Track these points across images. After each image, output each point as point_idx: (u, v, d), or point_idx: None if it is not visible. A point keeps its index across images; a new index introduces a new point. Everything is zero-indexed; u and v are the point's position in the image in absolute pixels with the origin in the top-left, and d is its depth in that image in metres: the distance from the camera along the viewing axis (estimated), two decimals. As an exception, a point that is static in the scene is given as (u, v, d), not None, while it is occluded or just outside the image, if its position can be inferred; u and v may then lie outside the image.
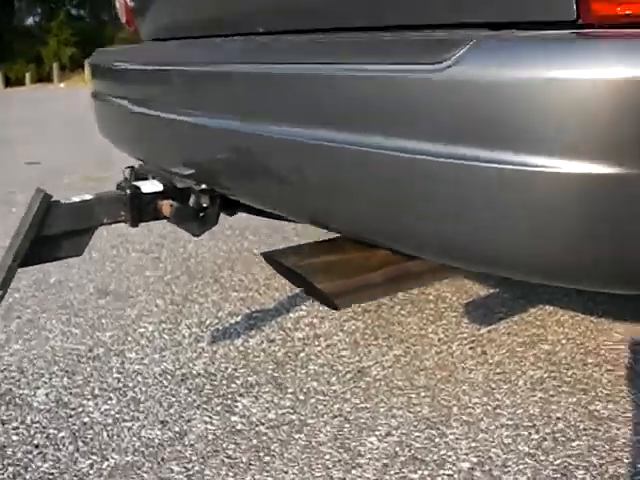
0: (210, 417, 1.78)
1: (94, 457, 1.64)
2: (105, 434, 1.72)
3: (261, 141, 1.29)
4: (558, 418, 1.70)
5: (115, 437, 1.71)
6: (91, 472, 1.59)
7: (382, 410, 1.78)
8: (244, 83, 1.33)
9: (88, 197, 1.56)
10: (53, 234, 1.51)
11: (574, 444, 1.61)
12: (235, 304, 2.42)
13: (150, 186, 1.63)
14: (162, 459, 1.63)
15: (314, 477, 1.55)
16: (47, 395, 1.90)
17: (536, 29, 1.00)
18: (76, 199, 1.54)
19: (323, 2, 1.37)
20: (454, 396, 1.82)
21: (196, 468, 1.59)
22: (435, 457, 1.59)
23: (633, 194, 0.90)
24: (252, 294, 2.49)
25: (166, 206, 1.59)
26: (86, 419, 1.79)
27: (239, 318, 2.31)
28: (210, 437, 1.70)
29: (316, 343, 2.13)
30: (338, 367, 1.99)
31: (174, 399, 1.86)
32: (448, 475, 1.54)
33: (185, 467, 1.60)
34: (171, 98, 1.60)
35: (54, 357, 2.10)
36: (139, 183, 1.65)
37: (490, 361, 1.98)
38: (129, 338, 2.21)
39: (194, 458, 1.63)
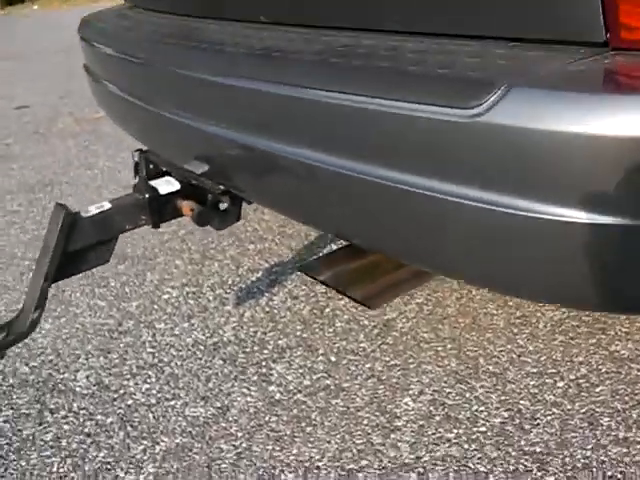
0: (248, 389, 1.86)
1: (145, 442, 1.73)
2: (151, 416, 1.81)
3: (282, 160, 1.29)
4: (580, 362, 1.79)
5: (161, 418, 1.80)
6: (145, 458, 1.69)
7: (412, 367, 1.86)
8: (265, 105, 1.31)
9: (107, 206, 1.57)
10: (79, 249, 1.53)
11: (598, 390, 1.70)
12: (253, 258, 2.46)
13: (167, 186, 1.63)
14: (210, 438, 1.72)
15: (356, 445, 1.65)
16: (87, 378, 1.97)
17: (563, 48, 1.00)
18: (96, 210, 1.54)
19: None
20: (479, 346, 1.90)
21: (243, 445, 1.69)
22: (468, 414, 1.69)
23: None
24: (268, 245, 2.53)
25: (186, 208, 1.59)
26: (130, 401, 1.87)
27: (259, 274, 2.36)
28: (252, 410, 1.79)
29: (339, 297, 2.19)
30: (364, 322, 2.06)
31: (210, 371, 1.94)
32: (482, 432, 1.63)
33: (233, 445, 1.69)
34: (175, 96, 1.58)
35: (86, 335, 2.16)
36: (155, 183, 1.65)
37: (510, 304, 2.05)
38: (155, 307, 2.26)
39: (240, 434, 1.72)
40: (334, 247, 2.40)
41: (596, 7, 0.95)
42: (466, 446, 1.61)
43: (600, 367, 1.75)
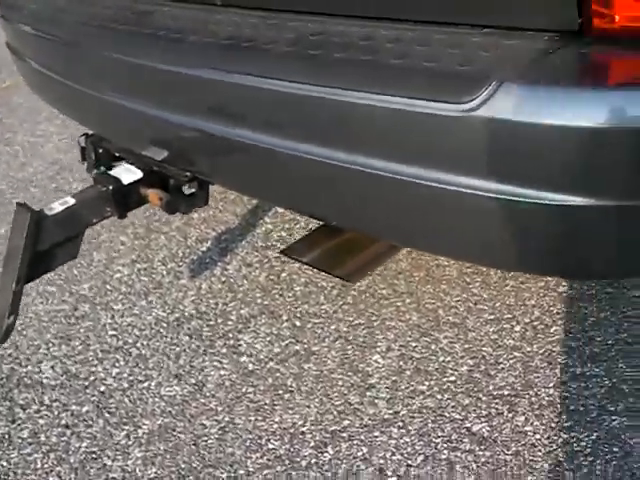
0: (220, 362, 1.90)
1: (127, 427, 1.75)
2: (127, 400, 1.82)
3: (258, 149, 1.29)
4: (533, 305, 1.91)
5: (138, 401, 1.82)
6: (130, 443, 1.71)
7: (376, 324, 1.94)
8: (247, 97, 1.31)
9: (71, 201, 1.53)
10: (47, 248, 1.50)
11: (552, 330, 1.83)
12: (200, 227, 2.45)
13: (129, 175, 1.60)
14: (191, 415, 1.76)
15: (335, 407, 1.72)
16: (53, 368, 1.95)
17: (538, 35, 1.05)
18: (60, 207, 1.50)
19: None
20: (437, 297, 1.99)
21: (226, 419, 1.73)
22: (436, 365, 1.78)
23: None
24: (212, 212, 2.52)
25: (154, 197, 1.57)
26: (102, 388, 1.87)
27: (209, 243, 2.36)
28: (227, 384, 1.83)
29: (292, 261, 2.23)
30: (322, 283, 2.11)
31: (178, 348, 1.96)
32: (452, 382, 1.73)
33: (215, 420, 1.73)
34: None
35: (42, 324, 2.12)
36: (116, 172, 1.61)
37: (459, 253, 2.14)
38: (108, 287, 2.24)
39: (220, 409, 1.76)
40: (280, 211, 2.44)
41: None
42: (439, 396, 1.71)
43: (552, 308, 1.89)
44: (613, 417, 1.57)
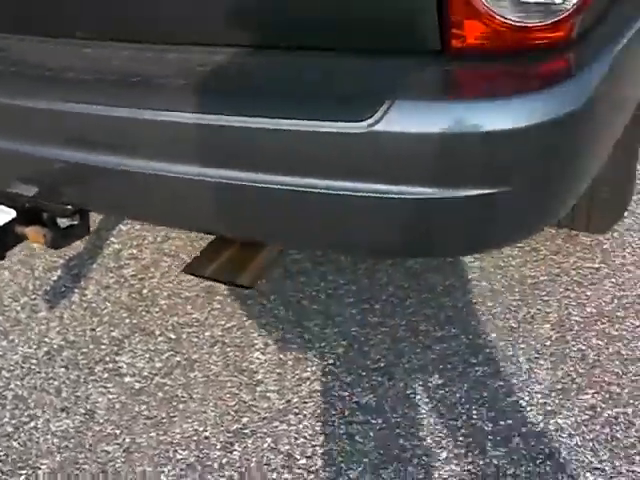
0: (104, 386, 1.90)
1: (24, 471, 1.71)
2: (16, 444, 1.77)
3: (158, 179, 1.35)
4: (386, 283, 2.12)
5: (29, 443, 1.78)
6: (31, 485, 1.69)
7: (248, 324, 2.05)
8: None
9: None
10: None
11: (407, 303, 2.05)
12: (44, 257, 2.36)
13: (4, 216, 1.54)
14: (90, 445, 1.76)
15: (229, 406, 1.82)
16: None
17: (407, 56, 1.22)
18: None
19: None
20: (298, 290, 2.13)
21: (127, 440, 1.76)
22: (314, 352, 1.93)
23: None
24: (51, 239, 2.45)
25: (35, 234, 1.53)
26: (-16, 436, 1.81)
27: (59, 272, 2.30)
28: (118, 406, 1.84)
29: (150, 275, 2.26)
30: (185, 294, 2.17)
31: (57, 382, 1.93)
32: (332, 364, 1.89)
33: (117, 444, 1.76)
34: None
35: None
36: None
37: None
38: (-42, 332, 2.13)
39: (118, 432, 1.79)
40: (124, 229, 2.44)
41: (433, 20, 1.19)
42: (324, 379, 1.87)
43: (403, 283, 2.11)
44: (476, 368, 1.84)
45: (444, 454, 1.67)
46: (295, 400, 1.83)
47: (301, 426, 1.76)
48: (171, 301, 2.16)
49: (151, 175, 1.38)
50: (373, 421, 1.75)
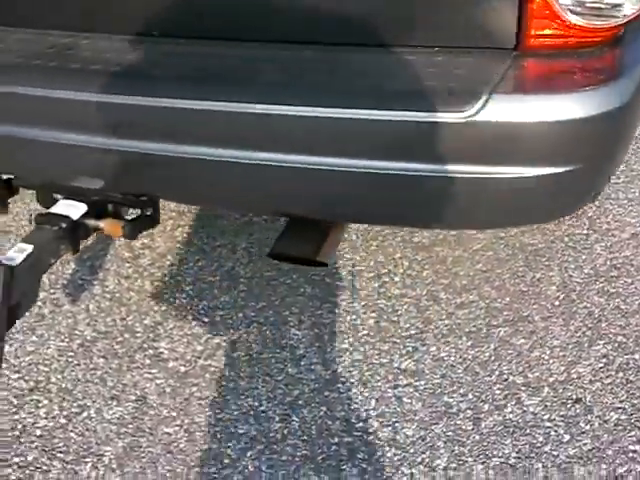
0: (149, 372, 1.93)
1: (89, 459, 1.73)
2: (74, 435, 1.79)
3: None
4: (400, 257, 2.26)
5: (87, 432, 1.78)
6: (101, 472, 1.71)
7: (278, 303, 2.13)
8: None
9: (28, 247, 1.46)
10: (18, 300, 1.43)
11: (424, 274, 2.20)
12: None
13: (76, 210, 1.55)
14: (149, 428, 1.80)
15: (278, 381, 1.90)
16: (-31, 426, 1.83)
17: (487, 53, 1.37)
18: (22, 255, 1.43)
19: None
20: (322, 269, 2.23)
21: (186, 421, 1.81)
22: (347, 325, 2.05)
23: None
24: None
25: (111, 226, 1.55)
26: (37, 432, 1.79)
27: (73, 265, 2.27)
28: (168, 390, 1.89)
29: (168, 263, 2.30)
30: (209, 278, 2.23)
31: (100, 372, 1.94)
32: (366, 334, 2.02)
33: (176, 425, 1.80)
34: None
35: None
36: (60, 210, 1.55)
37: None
38: (-17, 331, 2.09)
39: (174, 414, 1.83)
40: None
41: (513, 22, 1.34)
42: (362, 349, 1.98)
43: (416, 257, 2.26)
44: (499, 329, 2.02)
45: (486, 406, 1.84)
46: (340, 370, 1.94)
47: (351, 393, 1.88)
48: (196, 287, 2.22)
49: (234, 164, 1.47)
50: (416, 383, 1.89)
